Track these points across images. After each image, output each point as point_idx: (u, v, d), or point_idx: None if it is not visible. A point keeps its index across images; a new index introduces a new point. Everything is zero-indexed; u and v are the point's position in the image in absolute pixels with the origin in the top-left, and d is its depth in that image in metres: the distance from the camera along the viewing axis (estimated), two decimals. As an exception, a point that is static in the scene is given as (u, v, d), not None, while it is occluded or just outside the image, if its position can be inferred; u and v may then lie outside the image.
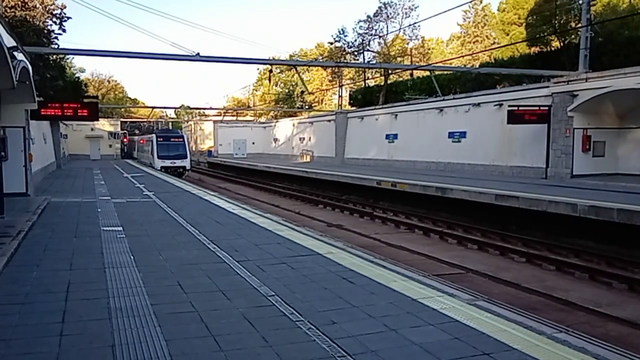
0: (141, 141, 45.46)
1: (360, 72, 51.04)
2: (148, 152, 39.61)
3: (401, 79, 46.59)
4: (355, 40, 49.96)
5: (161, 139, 36.96)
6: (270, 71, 35.52)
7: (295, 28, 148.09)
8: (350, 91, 54.71)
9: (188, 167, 36.91)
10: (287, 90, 71.91)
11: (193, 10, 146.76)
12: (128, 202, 15.03)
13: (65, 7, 36.25)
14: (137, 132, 58.85)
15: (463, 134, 27.36)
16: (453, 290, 6.21)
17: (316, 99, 69.79)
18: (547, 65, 28.13)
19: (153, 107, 58.60)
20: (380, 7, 48.75)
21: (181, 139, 37.89)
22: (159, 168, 34.25)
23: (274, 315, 5.16)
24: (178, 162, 35.47)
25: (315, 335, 4.61)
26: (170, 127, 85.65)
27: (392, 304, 5.58)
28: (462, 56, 52.78)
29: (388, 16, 48.83)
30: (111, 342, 4.42)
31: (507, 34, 47.48)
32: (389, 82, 45.87)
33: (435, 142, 29.28)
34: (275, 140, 55.67)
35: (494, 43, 56.21)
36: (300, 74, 35.15)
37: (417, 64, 42.82)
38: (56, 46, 34.08)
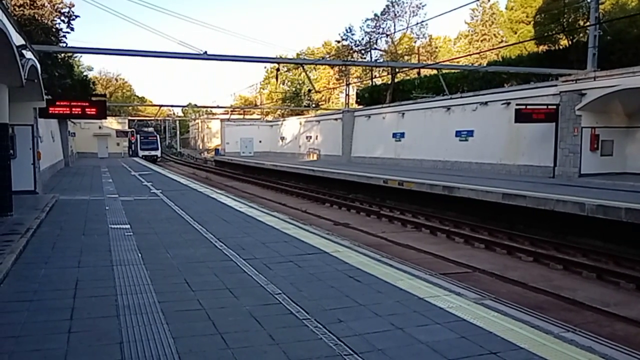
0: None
1: (368, 71, 50.96)
2: (134, 145, 55.17)
3: (408, 77, 46.49)
4: (363, 39, 49.88)
5: (143, 137, 54.84)
6: (278, 70, 35.50)
7: (303, 27, 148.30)
8: (357, 90, 54.64)
9: (159, 155, 55.39)
10: (294, 89, 71.95)
11: (201, 9, 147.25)
12: (135, 200, 15.09)
13: (73, 6, 36.44)
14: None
15: (470, 133, 27.27)
16: (460, 289, 6.20)
17: (323, 98, 69.79)
18: (555, 63, 27.94)
19: (160, 106, 58.77)
20: (387, 6, 48.62)
21: (155, 137, 56.36)
22: (141, 156, 49.99)
23: (280, 314, 5.18)
24: (153, 152, 53.07)
25: (322, 334, 4.62)
26: (178, 125, 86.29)
27: (398, 302, 5.58)
28: (470, 55, 52.62)
29: (395, 15, 48.70)
30: (119, 339, 4.45)
31: (515, 33, 47.20)
32: (396, 80, 45.74)
33: (442, 140, 29.21)
34: (282, 138, 55.71)
35: (502, 41, 55.94)
36: (308, 72, 35.15)
37: (424, 62, 42.77)
38: (64, 44, 34.27)
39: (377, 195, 22.91)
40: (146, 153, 51.39)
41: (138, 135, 55.06)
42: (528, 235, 14.18)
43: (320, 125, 46.66)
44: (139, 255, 7.71)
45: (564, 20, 31.83)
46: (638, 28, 27.39)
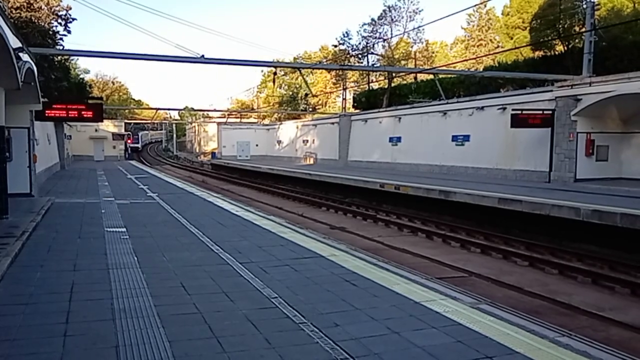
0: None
1: (364, 75, 51.07)
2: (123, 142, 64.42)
3: (405, 82, 46.60)
4: (360, 43, 50.01)
5: (130, 136, 72.68)
6: (275, 73, 35.63)
7: (300, 31, 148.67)
8: (354, 94, 54.75)
9: (140, 147, 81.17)
10: (291, 93, 72.01)
11: (198, 13, 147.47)
12: (132, 203, 15.06)
13: (70, 9, 36.49)
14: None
15: (467, 138, 27.34)
16: (456, 293, 6.21)
17: (320, 102, 69.87)
18: (551, 69, 28.16)
19: (157, 109, 58.94)
20: (384, 11, 48.82)
21: (137, 136, 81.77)
22: (129, 149, 64.88)
23: (277, 317, 5.18)
24: (135, 145, 76.60)
25: (318, 338, 4.62)
26: (174, 128, 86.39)
27: (395, 306, 5.59)
28: (466, 60, 52.71)
29: (392, 19, 48.88)
30: (115, 342, 4.45)
31: (511, 38, 47.46)
32: (392, 85, 45.89)
33: (438, 145, 29.27)
34: (279, 142, 55.70)
35: (498, 47, 56.18)
36: (304, 76, 35.24)
37: (421, 67, 42.86)
38: (61, 47, 34.25)
39: (373, 200, 22.92)
40: (132, 146, 71.60)
41: (125, 135, 66.12)
42: (524, 240, 14.21)
43: (317, 129, 46.69)
44: (135, 258, 7.70)
45: (560, 26, 32.02)
46: (633, 34, 27.59)
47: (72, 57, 47.34)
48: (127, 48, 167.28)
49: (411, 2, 48.90)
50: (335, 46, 53.17)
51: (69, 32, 36.69)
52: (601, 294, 9.94)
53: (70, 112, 16.71)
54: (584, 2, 26.89)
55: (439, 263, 12.13)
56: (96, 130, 51.97)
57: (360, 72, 49.36)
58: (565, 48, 31.99)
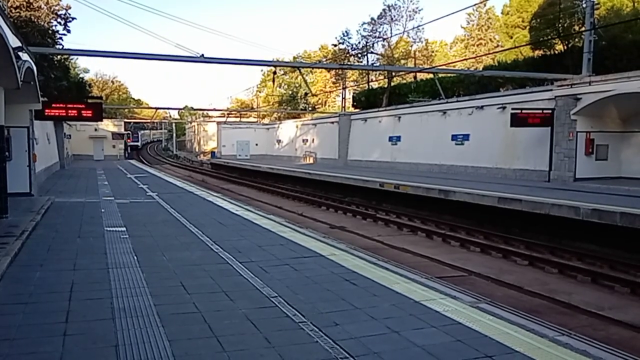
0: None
1: (364, 74, 51.02)
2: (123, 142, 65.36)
3: (405, 81, 46.57)
4: (359, 43, 49.96)
5: (130, 135, 75.30)
6: (274, 73, 35.56)
7: (299, 30, 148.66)
8: (353, 93, 54.69)
9: (139, 145, 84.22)
10: (290, 92, 71.91)
11: (198, 12, 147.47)
12: (131, 202, 15.06)
13: (70, 8, 36.48)
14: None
15: (466, 137, 27.34)
16: (456, 292, 6.21)
17: (319, 101, 69.82)
18: (551, 68, 28.13)
19: (157, 108, 58.89)
20: (384, 10, 48.76)
21: (137, 135, 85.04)
22: (128, 147, 65.76)
23: (276, 317, 5.18)
24: (135, 143, 79.74)
25: (318, 337, 4.63)
26: (174, 128, 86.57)
27: (394, 305, 5.59)
28: (466, 59, 52.69)
29: (392, 19, 48.81)
30: (115, 342, 4.45)
31: (511, 37, 47.41)
32: (392, 84, 45.83)
33: (438, 144, 29.27)
34: (279, 141, 55.70)
35: (498, 46, 56.17)
36: (304, 75, 35.20)
37: (420, 66, 42.82)
38: (61, 47, 34.25)
39: (373, 199, 22.92)
40: (131, 144, 74.48)
41: (125, 135, 67.27)
42: (523, 239, 14.21)
43: (317, 128, 46.68)
44: (135, 258, 7.70)
45: (560, 25, 31.99)
46: (633, 33, 27.56)
47: (71, 57, 47.36)
48: (127, 47, 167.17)
49: (411, 1, 48.90)
50: (335, 45, 53.13)
51: (69, 31, 36.79)
52: (601, 293, 9.95)
53: (69, 112, 16.74)
54: (583, 1, 26.86)
55: (438, 262, 12.13)
56: (96, 130, 51.96)
57: (360, 71, 49.34)
58: (565, 47, 31.96)
